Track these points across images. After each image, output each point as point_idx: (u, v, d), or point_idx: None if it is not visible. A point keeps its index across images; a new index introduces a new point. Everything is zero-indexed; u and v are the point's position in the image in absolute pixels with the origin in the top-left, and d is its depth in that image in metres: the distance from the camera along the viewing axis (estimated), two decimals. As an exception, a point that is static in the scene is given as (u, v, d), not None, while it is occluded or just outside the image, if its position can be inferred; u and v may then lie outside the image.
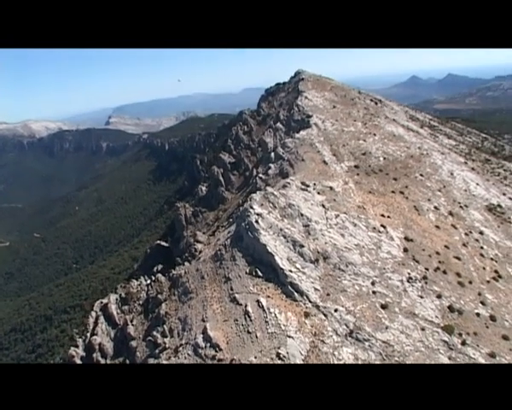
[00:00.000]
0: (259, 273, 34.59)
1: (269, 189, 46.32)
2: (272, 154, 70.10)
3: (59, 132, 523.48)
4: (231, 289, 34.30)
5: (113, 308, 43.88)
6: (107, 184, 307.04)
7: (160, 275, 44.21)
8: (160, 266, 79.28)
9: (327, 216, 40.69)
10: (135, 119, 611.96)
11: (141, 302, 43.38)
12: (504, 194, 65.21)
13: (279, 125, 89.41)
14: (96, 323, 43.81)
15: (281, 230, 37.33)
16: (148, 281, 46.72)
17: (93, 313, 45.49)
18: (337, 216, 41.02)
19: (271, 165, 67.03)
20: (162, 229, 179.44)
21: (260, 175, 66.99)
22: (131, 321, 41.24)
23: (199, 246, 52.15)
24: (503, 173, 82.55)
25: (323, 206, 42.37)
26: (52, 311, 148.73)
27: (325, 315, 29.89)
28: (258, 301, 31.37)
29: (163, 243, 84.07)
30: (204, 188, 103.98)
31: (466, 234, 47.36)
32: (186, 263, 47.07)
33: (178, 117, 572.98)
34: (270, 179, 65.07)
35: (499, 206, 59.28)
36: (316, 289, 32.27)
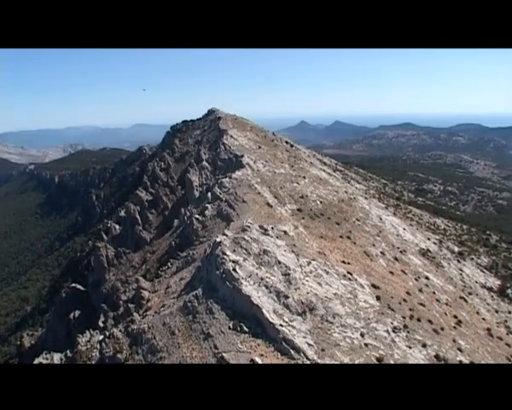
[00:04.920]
0: (245, 328, 32.12)
1: (229, 233, 44.27)
2: (209, 194, 68.06)
3: None
4: (215, 347, 31.12)
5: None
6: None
7: (115, 330, 39.24)
8: (77, 313, 72.41)
9: (300, 264, 39.64)
10: (19, 147, 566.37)
11: (93, 362, 38.22)
12: (429, 239, 69.43)
13: (205, 163, 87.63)
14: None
15: (261, 279, 35.34)
16: (101, 337, 41.22)
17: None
18: (309, 263, 40.13)
19: (208, 205, 64.92)
20: (54, 267, 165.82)
21: (196, 216, 64.42)
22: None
23: (145, 294, 47.92)
24: (415, 218, 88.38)
25: (294, 252, 41.30)
26: None
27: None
28: (252, 360, 28.72)
29: (79, 287, 76.77)
30: (118, 226, 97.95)
31: (416, 279, 49.11)
32: (136, 315, 42.88)
33: (66, 149, 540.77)
34: (208, 221, 62.82)
35: (428, 250, 62.82)
36: (309, 345, 30.53)
